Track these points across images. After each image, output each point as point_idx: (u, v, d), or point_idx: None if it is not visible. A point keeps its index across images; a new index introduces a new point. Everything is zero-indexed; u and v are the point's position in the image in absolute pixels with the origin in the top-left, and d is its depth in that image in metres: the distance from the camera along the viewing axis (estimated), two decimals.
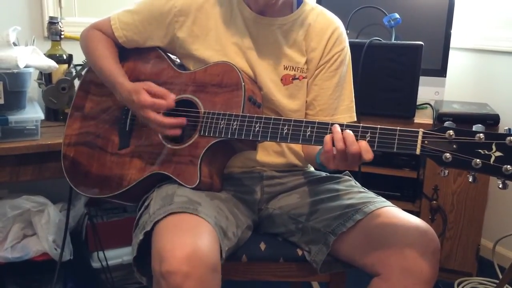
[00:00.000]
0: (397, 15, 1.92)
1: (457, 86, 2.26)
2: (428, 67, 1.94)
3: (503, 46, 2.13)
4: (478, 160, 0.87)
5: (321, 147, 1.06)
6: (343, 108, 1.29)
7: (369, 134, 0.97)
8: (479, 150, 0.87)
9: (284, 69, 1.26)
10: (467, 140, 0.89)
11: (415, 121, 1.86)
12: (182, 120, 1.17)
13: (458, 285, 1.94)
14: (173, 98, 1.17)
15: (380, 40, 1.85)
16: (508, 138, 0.85)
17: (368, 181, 1.56)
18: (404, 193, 1.97)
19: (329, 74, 1.26)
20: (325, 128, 1.03)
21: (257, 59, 1.25)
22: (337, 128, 1.00)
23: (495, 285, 1.90)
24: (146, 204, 1.18)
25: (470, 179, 0.91)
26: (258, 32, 1.25)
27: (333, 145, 0.99)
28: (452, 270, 1.96)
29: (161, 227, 1.01)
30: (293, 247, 1.22)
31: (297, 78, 1.26)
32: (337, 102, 1.28)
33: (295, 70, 1.26)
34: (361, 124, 0.99)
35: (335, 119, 1.28)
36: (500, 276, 1.90)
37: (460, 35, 2.23)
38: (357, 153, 0.97)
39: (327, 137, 1.01)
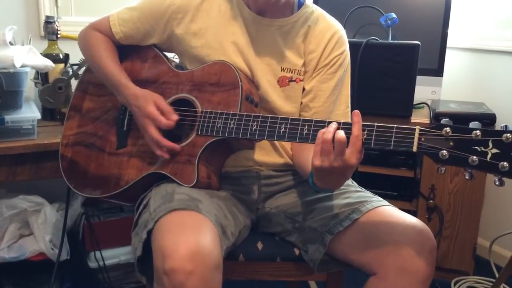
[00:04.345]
0: (394, 15, 1.92)
1: (454, 85, 2.26)
2: (425, 67, 1.94)
3: (500, 45, 2.14)
4: (474, 157, 0.87)
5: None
6: (339, 113, 1.28)
7: (366, 131, 0.97)
8: (476, 147, 0.87)
9: (282, 70, 1.25)
10: (463, 137, 0.89)
11: (412, 120, 1.86)
12: (175, 147, 1.17)
13: (455, 284, 1.94)
14: (175, 119, 1.18)
15: (377, 40, 1.86)
16: (505, 135, 0.85)
17: (365, 181, 1.56)
18: (401, 192, 1.97)
19: (328, 77, 1.26)
20: (322, 126, 1.02)
21: (255, 59, 1.24)
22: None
23: (491, 284, 1.90)
24: (145, 202, 1.17)
25: (467, 176, 0.91)
26: (257, 33, 1.25)
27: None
28: (449, 269, 1.97)
29: (163, 224, 1.01)
30: (290, 246, 1.22)
31: (294, 81, 1.26)
32: (332, 106, 1.27)
33: (292, 72, 1.26)
34: None
35: None
36: (497, 275, 1.90)
37: (457, 34, 2.24)
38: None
39: (321, 131, 0.98)
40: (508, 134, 0.85)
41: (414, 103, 1.89)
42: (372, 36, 1.86)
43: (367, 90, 1.82)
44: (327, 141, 0.95)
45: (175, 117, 1.18)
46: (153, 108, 1.18)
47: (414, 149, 0.93)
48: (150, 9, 1.28)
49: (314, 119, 1.04)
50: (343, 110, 1.29)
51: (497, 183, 0.88)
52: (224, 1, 1.26)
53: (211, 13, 1.25)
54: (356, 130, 0.95)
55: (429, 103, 2.03)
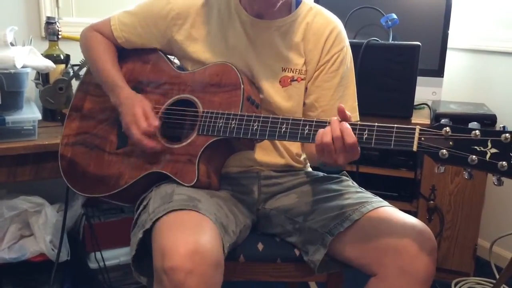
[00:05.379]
0: (394, 16, 1.92)
1: (454, 86, 2.26)
2: (425, 68, 1.94)
3: (500, 46, 2.14)
4: (474, 156, 0.88)
5: None
6: (346, 109, 1.27)
7: (366, 131, 0.98)
8: (475, 147, 0.88)
9: (283, 71, 1.26)
10: (463, 137, 0.89)
11: (413, 121, 1.86)
12: (157, 147, 1.19)
13: (455, 285, 1.94)
14: (154, 125, 1.19)
15: (378, 41, 1.86)
16: (503, 135, 0.86)
17: (366, 181, 1.56)
18: (401, 193, 1.97)
19: (330, 75, 1.25)
20: (323, 126, 1.03)
21: (255, 62, 1.25)
22: (334, 118, 1.02)
23: (492, 285, 1.90)
24: (144, 203, 1.18)
25: (466, 176, 0.92)
26: (256, 35, 1.25)
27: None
28: (449, 270, 1.96)
29: (162, 225, 1.01)
30: (291, 247, 1.22)
31: (295, 80, 1.26)
32: (339, 103, 1.26)
33: (293, 72, 1.26)
34: (358, 122, 1.00)
35: None
36: (497, 276, 1.90)
37: (457, 35, 2.24)
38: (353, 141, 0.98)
39: (320, 132, 1.01)
40: (507, 134, 0.86)
41: (415, 103, 1.89)
42: (372, 37, 1.86)
43: (367, 91, 1.81)
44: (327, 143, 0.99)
45: (155, 122, 1.19)
46: (139, 110, 1.20)
47: (414, 148, 0.93)
48: (151, 14, 1.29)
49: (315, 119, 1.05)
50: (350, 105, 1.28)
51: (496, 183, 0.89)
52: (222, 5, 1.26)
53: (211, 18, 1.26)
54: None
55: (429, 103, 2.03)
